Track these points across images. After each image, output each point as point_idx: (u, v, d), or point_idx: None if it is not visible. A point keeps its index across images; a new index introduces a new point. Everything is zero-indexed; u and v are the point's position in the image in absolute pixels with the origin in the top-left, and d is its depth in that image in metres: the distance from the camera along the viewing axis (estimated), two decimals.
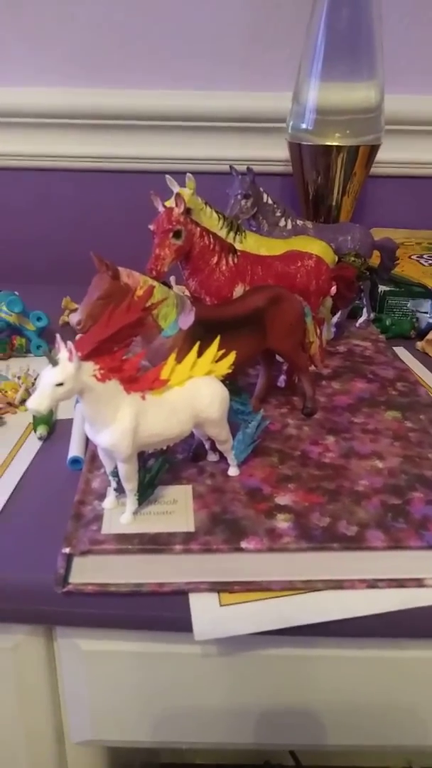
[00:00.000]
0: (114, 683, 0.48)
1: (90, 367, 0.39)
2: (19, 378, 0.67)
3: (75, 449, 0.55)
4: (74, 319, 0.47)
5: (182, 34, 0.94)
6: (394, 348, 0.78)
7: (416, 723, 0.49)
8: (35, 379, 0.69)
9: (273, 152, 0.97)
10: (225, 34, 0.94)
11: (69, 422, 0.61)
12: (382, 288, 0.85)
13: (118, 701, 0.49)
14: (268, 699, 0.48)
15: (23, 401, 0.65)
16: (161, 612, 0.43)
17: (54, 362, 0.38)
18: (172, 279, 0.78)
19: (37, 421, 0.60)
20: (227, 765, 0.84)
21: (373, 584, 0.43)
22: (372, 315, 0.84)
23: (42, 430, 0.59)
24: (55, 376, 0.37)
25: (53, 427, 0.61)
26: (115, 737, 0.51)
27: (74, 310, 0.86)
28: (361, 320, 0.83)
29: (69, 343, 0.38)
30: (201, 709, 0.49)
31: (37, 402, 0.38)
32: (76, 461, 0.54)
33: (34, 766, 0.53)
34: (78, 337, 0.42)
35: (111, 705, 0.49)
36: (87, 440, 0.56)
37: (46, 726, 0.52)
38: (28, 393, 0.66)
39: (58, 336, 0.39)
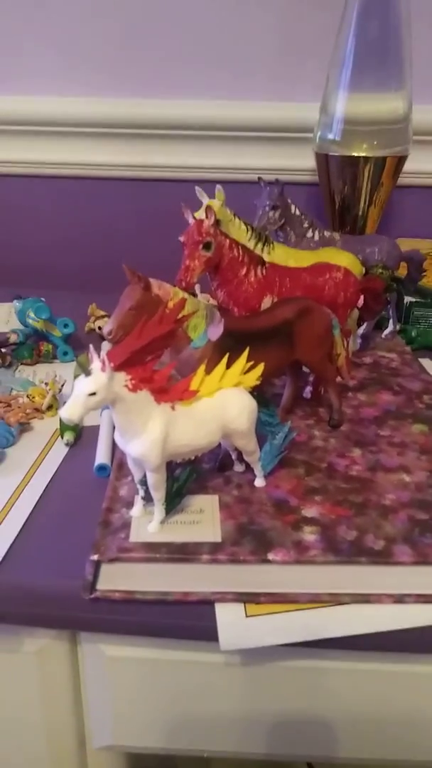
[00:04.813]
0: (136, 689, 0.49)
1: (122, 377, 0.40)
2: (46, 384, 0.68)
3: (102, 456, 0.56)
4: (105, 329, 0.47)
5: (212, 44, 0.95)
6: (420, 360, 0.78)
7: None
8: (62, 385, 0.69)
9: (300, 162, 0.97)
10: (254, 45, 0.94)
11: (95, 429, 0.61)
12: (408, 299, 0.85)
13: (139, 707, 0.49)
14: (288, 709, 0.48)
15: (50, 407, 0.65)
16: (187, 621, 0.43)
17: (87, 372, 0.38)
18: (197, 287, 0.79)
19: (64, 427, 0.61)
20: None
21: (399, 599, 0.43)
22: (398, 326, 0.84)
23: (69, 436, 0.60)
24: (88, 386, 0.38)
25: (80, 434, 0.62)
26: (135, 743, 0.51)
27: (100, 317, 0.87)
28: (386, 331, 0.83)
29: (102, 353, 0.39)
30: (221, 718, 0.49)
31: (71, 411, 0.38)
32: (102, 468, 0.55)
33: None
34: (110, 347, 0.42)
35: (132, 711, 0.50)
36: (113, 448, 0.57)
37: (68, 730, 0.52)
38: (55, 399, 0.66)
39: (91, 347, 0.40)
